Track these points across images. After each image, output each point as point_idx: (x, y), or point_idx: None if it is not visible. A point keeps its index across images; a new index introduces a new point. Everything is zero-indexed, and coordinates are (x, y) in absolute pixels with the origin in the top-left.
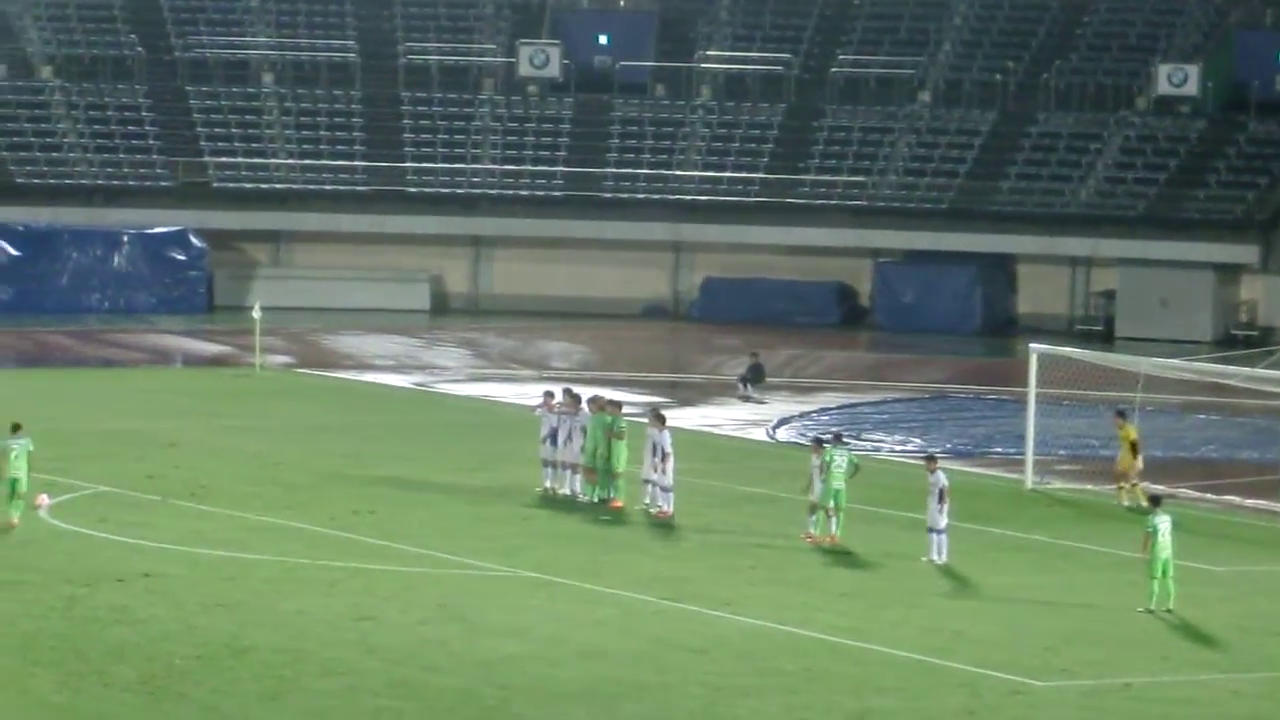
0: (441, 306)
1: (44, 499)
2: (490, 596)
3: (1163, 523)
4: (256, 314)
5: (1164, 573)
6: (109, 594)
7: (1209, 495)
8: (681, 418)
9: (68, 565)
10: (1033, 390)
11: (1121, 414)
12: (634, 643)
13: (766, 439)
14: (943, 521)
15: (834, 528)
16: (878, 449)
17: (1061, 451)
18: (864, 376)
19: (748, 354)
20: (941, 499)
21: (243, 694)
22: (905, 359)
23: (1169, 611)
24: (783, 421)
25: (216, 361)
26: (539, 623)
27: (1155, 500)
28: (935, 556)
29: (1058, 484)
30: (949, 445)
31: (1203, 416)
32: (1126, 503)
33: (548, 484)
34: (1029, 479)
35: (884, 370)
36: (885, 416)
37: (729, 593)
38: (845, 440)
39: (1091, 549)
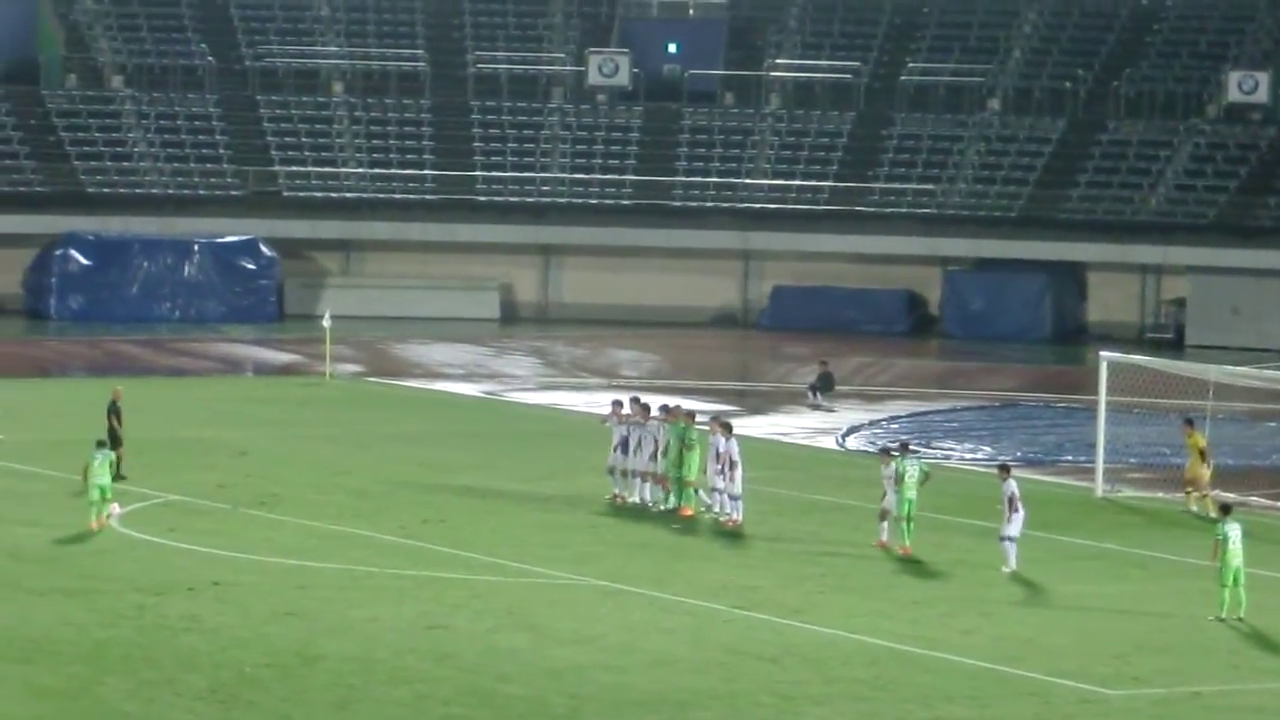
0: (511, 315)
1: (115, 508)
2: (560, 605)
3: (1233, 530)
4: (326, 323)
5: (1235, 581)
6: (179, 602)
7: None
8: (751, 426)
9: (138, 574)
10: (1103, 398)
11: (1190, 422)
12: (704, 651)
13: (836, 447)
14: (1010, 530)
15: (904, 538)
16: (948, 457)
17: (1132, 460)
18: (933, 385)
19: (817, 362)
20: (1012, 507)
21: (313, 702)
22: (975, 367)
23: (1240, 620)
24: (852, 430)
25: (287, 370)
26: (609, 631)
27: (1226, 509)
28: (1008, 565)
29: (1128, 492)
30: (1019, 454)
31: (1274, 424)
32: (1195, 509)
33: (616, 491)
34: (1099, 487)
35: (953, 378)
36: (955, 425)
37: (799, 601)
38: (914, 449)
39: (1162, 557)
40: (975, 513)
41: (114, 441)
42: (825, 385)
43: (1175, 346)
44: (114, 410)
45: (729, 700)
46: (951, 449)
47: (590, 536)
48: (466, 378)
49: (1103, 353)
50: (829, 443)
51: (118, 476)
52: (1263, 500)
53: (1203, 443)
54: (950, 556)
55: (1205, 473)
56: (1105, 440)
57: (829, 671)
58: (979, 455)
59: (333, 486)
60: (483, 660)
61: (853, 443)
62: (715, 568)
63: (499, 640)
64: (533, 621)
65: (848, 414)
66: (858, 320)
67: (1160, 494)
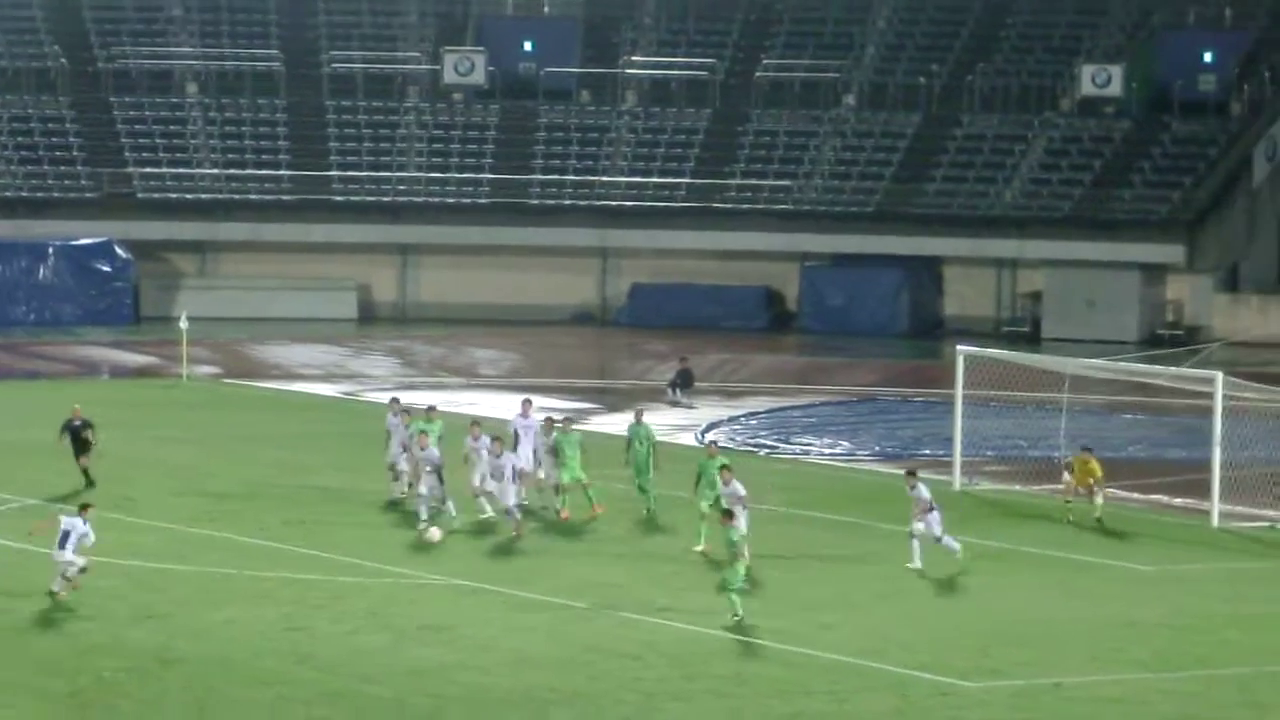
0: (369, 315)
1: None
2: (421, 604)
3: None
4: (183, 324)
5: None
6: (37, 607)
7: (1136, 495)
8: (610, 424)
9: None
10: (960, 392)
11: (1089, 450)
12: (565, 649)
13: (696, 444)
14: (938, 530)
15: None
16: (806, 452)
17: (989, 452)
18: (792, 380)
19: (676, 359)
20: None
21: (172, 705)
22: (833, 362)
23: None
24: (712, 426)
25: (143, 372)
26: (470, 630)
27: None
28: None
29: (986, 485)
30: (877, 448)
31: (1129, 416)
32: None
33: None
34: (957, 481)
35: (812, 374)
36: (814, 420)
37: (659, 598)
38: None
39: (1020, 550)
40: (834, 508)
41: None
42: (685, 382)
43: (1032, 339)
44: (70, 427)
45: (591, 698)
46: (810, 444)
47: (450, 536)
48: (325, 378)
49: (959, 346)
50: (689, 439)
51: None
52: (1120, 492)
53: (1098, 472)
54: (810, 551)
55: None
56: (962, 434)
57: (690, 668)
58: (838, 450)
59: (191, 489)
60: (343, 661)
61: (712, 439)
62: (575, 566)
63: (360, 641)
64: (393, 622)
65: (708, 410)
66: (716, 316)
67: (1017, 486)
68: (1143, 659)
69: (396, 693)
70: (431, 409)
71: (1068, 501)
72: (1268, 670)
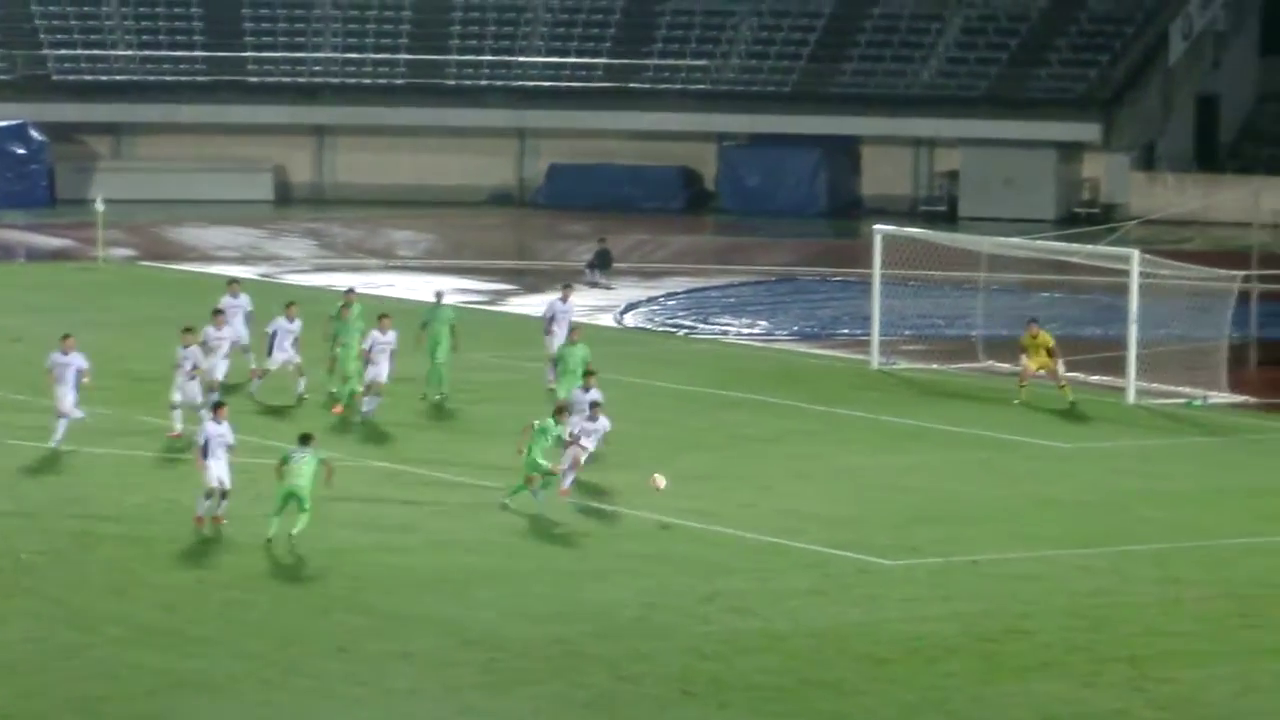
0: (285, 196)
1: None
2: (340, 486)
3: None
4: (99, 207)
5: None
6: None
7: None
8: (529, 305)
9: None
10: (877, 271)
11: (1034, 321)
12: (484, 531)
13: (614, 324)
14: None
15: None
16: (725, 333)
17: (907, 332)
18: (710, 260)
19: (595, 239)
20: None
21: (92, 587)
22: (751, 242)
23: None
24: (630, 307)
25: (59, 255)
26: (388, 512)
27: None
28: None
29: (903, 364)
30: (795, 327)
31: (1046, 295)
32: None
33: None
34: (875, 360)
35: (730, 254)
36: (732, 300)
37: (579, 478)
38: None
39: (937, 428)
40: (752, 388)
41: None
42: (603, 262)
43: (949, 219)
44: None
45: (510, 579)
46: (729, 324)
47: (371, 417)
48: (241, 260)
49: (877, 226)
50: (608, 320)
51: None
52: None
53: (1050, 341)
54: (729, 432)
55: (1059, 368)
56: (880, 313)
57: (611, 547)
58: (756, 330)
59: (108, 372)
60: (262, 543)
61: (631, 319)
62: (493, 447)
63: (278, 523)
64: (313, 504)
65: (626, 291)
66: (634, 197)
67: (935, 365)
68: (1059, 536)
69: (315, 574)
70: (350, 291)
71: (1021, 385)
72: (1183, 545)
